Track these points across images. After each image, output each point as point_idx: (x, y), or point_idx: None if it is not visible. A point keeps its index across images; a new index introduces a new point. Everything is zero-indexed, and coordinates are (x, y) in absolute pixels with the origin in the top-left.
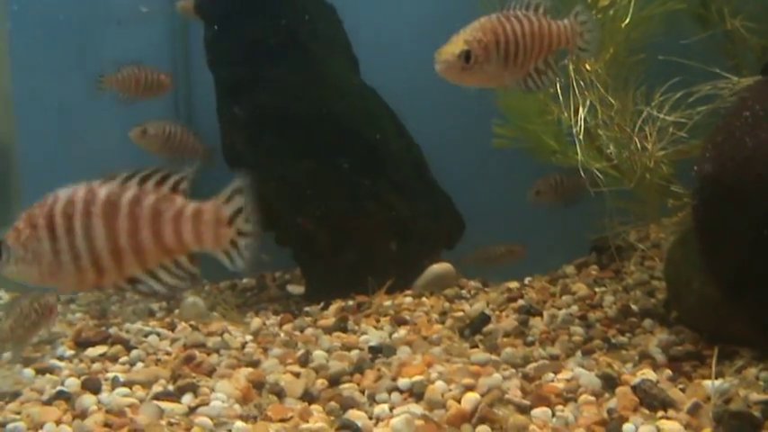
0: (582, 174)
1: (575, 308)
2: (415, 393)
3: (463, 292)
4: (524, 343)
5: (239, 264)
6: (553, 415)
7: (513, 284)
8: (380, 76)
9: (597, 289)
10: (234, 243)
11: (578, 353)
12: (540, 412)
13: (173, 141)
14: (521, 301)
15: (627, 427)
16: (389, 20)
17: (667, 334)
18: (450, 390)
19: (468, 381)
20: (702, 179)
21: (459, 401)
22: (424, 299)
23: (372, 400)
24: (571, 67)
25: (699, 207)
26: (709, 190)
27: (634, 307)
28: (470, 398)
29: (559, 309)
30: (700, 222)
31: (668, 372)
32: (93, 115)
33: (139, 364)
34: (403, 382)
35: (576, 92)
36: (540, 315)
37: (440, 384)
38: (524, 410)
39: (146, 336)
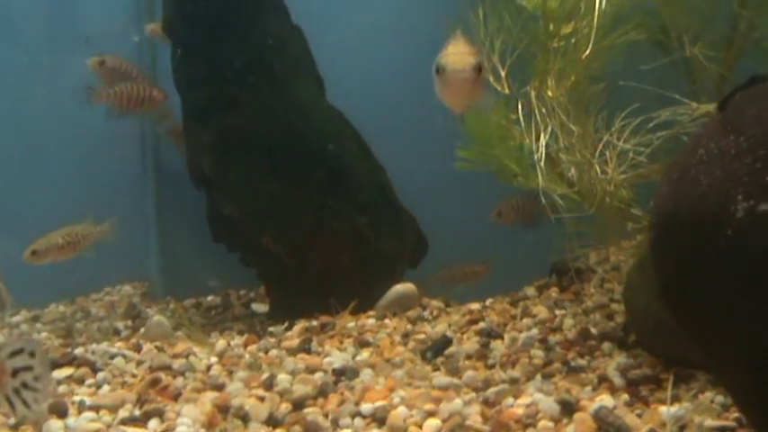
0: (542, 198)
1: (535, 330)
2: (378, 418)
3: (425, 313)
4: (486, 366)
5: (21, 412)
6: None
7: (475, 306)
8: (346, 97)
9: (557, 311)
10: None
11: (538, 376)
12: None
13: (127, 78)
14: (482, 324)
15: None
16: (357, 42)
17: (626, 357)
18: (412, 415)
19: (429, 406)
20: (659, 215)
21: (420, 427)
22: (386, 320)
23: (336, 424)
24: (533, 93)
25: (655, 241)
26: (666, 225)
27: (593, 330)
28: (432, 424)
29: (520, 331)
30: (655, 255)
31: (626, 396)
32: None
33: (106, 387)
34: (366, 406)
35: (538, 118)
36: (501, 338)
37: (402, 410)
38: None
39: (112, 357)
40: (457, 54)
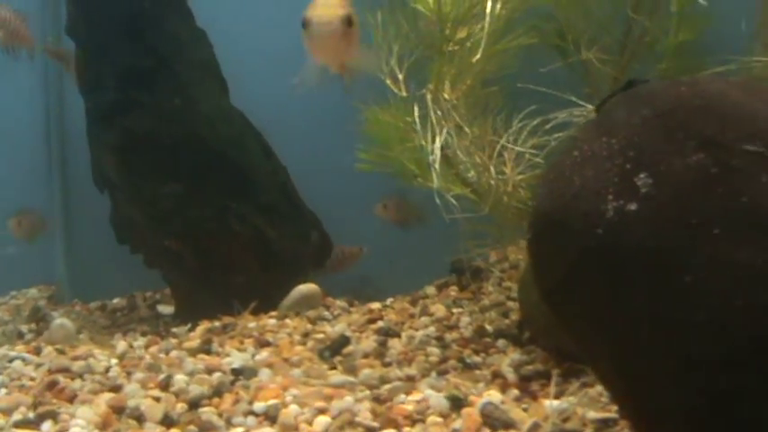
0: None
1: (432, 329)
2: (270, 417)
3: (326, 313)
4: (382, 364)
5: None
6: None
7: (376, 306)
8: (249, 99)
9: (455, 310)
10: None
11: (433, 373)
12: None
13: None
14: (380, 323)
15: None
16: (258, 43)
17: (519, 354)
18: (303, 413)
19: (320, 404)
20: (536, 214)
21: (311, 424)
22: (287, 320)
23: (229, 423)
24: (429, 96)
25: (532, 240)
26: (541, 224)
27: (489, 327)
28: (321, 421)
29: (417, 330)
30: (532, 254)
31: (516, 392)
32: None
33: (2, 391)
34: (258, 405)
35: (433, 121)
36: (399, 336)
37: (293, 408)
38: None
39: (10, 361)
40: (324, 6)
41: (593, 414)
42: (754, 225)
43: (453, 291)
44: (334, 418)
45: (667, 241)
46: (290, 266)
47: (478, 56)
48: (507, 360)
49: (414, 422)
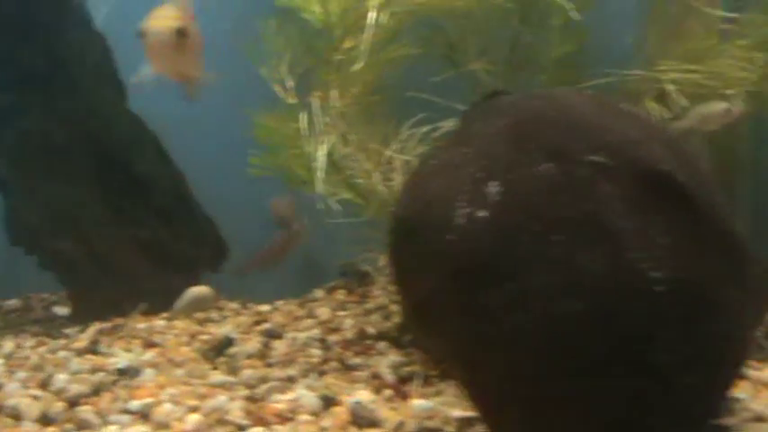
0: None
1: (316, 331)
2: (144, 415)
3: (214, 315)
4: (265, 365)
5: None
6: None
7: (265, 308)
8: (147, 104)
9: (339, 313)
10: None
11: (313, 374)
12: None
13: None
14: (266, 325)
15: None
16: None
17: (399, 356)
18: (175, 411)
19: (194, 402)
20: (395, 220)
21: (182, 422)
22: (176, 322)
23: (105, 421)
24: (317, 104)
25: (391, 246)
26: (400, 230)
27: (371, 330)
28: (192, 419)
29: (301, 332)
30: (392, 259)
31: (389, 392)
32: None
33: None
34: (134, 404)
35: (319, 128)
36: (282, 338)
37: (167, 406)
38: (243, 430)
39: None
40: (159, 17)
41: (457, 413)
42: (593, 232)
43: (341, 294)
44: (205, 416)
45: (512, 247)
46: (184, 270)
47: (361, 65)
48: (386, 362)
49: (284, 420)
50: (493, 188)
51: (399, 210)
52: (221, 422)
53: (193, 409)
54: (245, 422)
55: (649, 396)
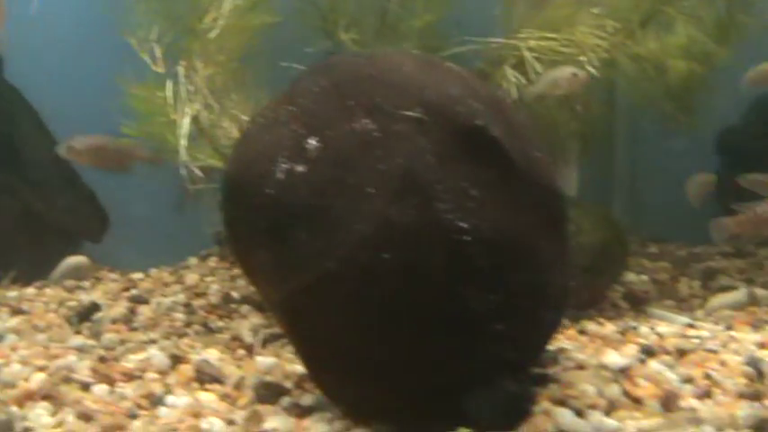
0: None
1: (182, 296)
2: None
3: (85, 283)
4: (129, 329)
5: None
6: (112, 391)
7: (138, 275)
8: (27, 75)
9: (207, 278)
10: None
11: (174, 337)
12: (98, 389)
13: None
14: (134, 291)
15: (170, 398)
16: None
17: (261, 319)
18: (23, 371)
19: (42, 362)
20: (224, 178)
21: (27, 381)
22: (47, 290)
23: None
24: (182, 72)
25: (221, 201)
26: (228, 188)
27: (236, 294)
28: (37, 378)
29: (167, 297)
30: (222, 214)
31: (242, 352)
32: None
33: None
34: None
35: (183, 96)
36: (148, 303)
37: (16, 366)
38: (86, 388)
39: None
40: None
41: (298, 368)
42: (405, 185)
43: (213, 261)
44: (50, 375)
45: (327, 199)
46: (60, 239)
47: (217, 32)
48: (247, 324)
49: (131, 378)
50: (312, 144)
51: (228, 167)
52: (66, 380)
53: (41, 369)
54: (90, 380)
55: (463, 347)
